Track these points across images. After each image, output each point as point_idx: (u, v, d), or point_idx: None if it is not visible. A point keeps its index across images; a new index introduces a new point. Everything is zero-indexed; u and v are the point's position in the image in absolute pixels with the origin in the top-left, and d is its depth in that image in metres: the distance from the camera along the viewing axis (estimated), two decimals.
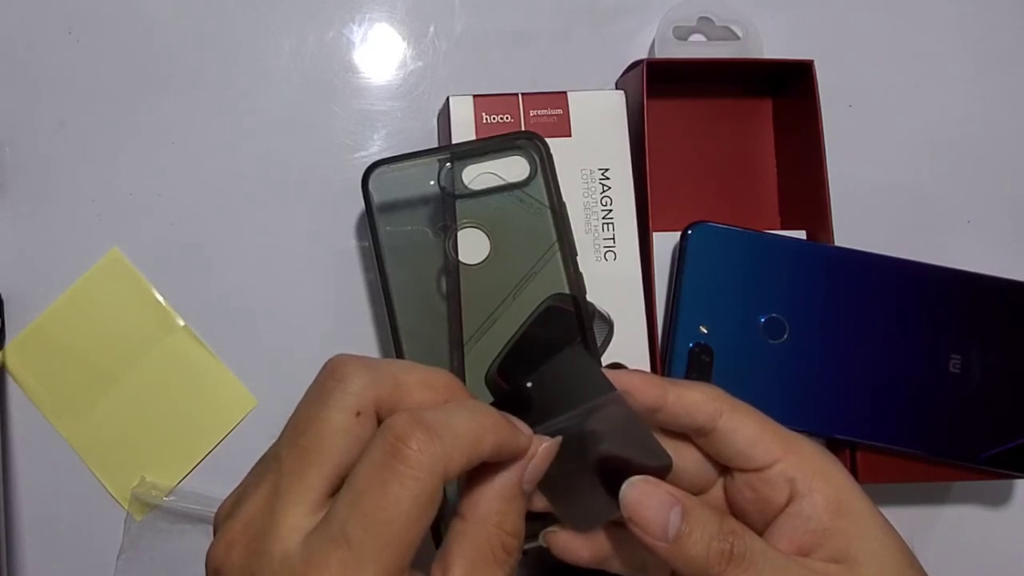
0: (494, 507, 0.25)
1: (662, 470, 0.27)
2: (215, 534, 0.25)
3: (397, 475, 0.22)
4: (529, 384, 0.28)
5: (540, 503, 0.28)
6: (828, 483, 0.27)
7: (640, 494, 0.26)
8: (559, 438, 0.27)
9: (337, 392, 0.24)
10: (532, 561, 0.41)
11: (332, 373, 0.25)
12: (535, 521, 0.29)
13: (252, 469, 0.26)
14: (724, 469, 0.29)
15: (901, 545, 0.27)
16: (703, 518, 0.26)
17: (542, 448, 0.26)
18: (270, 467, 0.24)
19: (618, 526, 0.28)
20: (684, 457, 0.29)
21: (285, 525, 0.23)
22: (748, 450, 0.28)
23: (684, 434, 0.29)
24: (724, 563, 0.25)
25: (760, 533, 0.27)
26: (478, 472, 0.25)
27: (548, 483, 0.27)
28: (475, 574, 0.24)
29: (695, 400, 0.28)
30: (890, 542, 0.27)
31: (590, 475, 0.28)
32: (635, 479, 0.27)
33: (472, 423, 0.24)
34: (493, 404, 0.27)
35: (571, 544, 0.28)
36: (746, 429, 0.28)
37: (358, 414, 0.24)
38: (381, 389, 0.25)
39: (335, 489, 0.24)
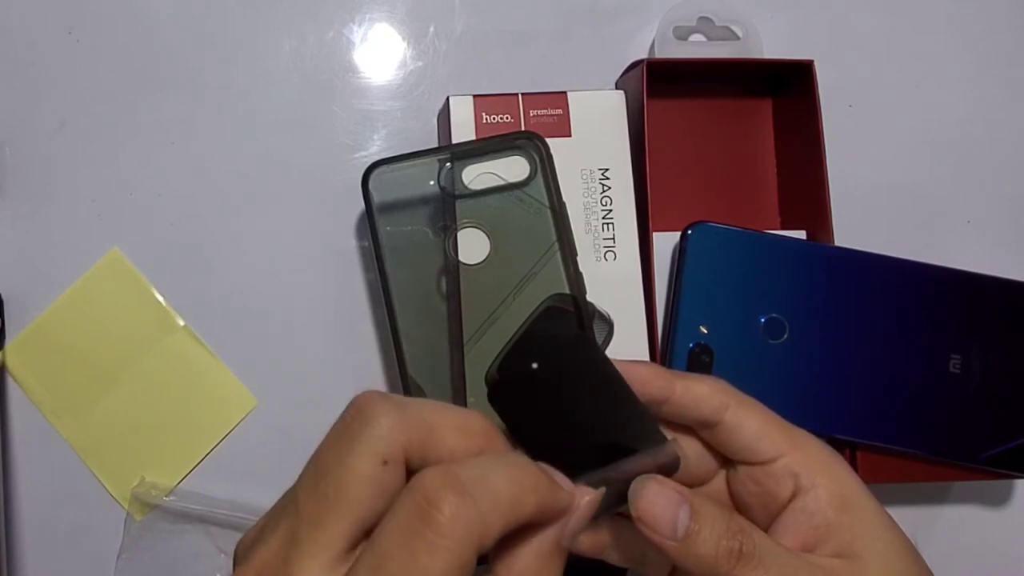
0: (532, 567, 0.23)
1: (671, 465, 0.27)
2: (234, 569, 0.23)
3: (427, 544, 0.20)
4: (535, 366, 0.27)
5: None
6: (832, 479, 0.27)
7: (649, 492, 0.26)
8: (602, 489, 0.25)
9: (364, 436, 0.22)
10: None
11: (359, 414, 0.23)
12: None
13: (275, 504, 0.24)
14: (726, 461, 0.29)
15: (905, 541, 0.27)
16: (712, 516, 0.26)
17: (584, 503, 0.24)
18: (287, 510, 0.23)
19: (618, 516, 0.28)
20: (687, 448, 0.29)
21: None
22: (753, 444, 0.28)
23: (686, 425, 0.29)
24: (733, 561, 0.25)
25: (763, 528, 0.27)
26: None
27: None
28: None
29: (702, 393, 0.28)
30: (894, 539, 0.27)
31: (595, 468, 0.27)
32: (644, 477, 0.26)
33: (512, 484, 0.22)
34: (495, 388, 0.27)
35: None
36: (751, 423, 0.28)
37: (385, 463, 0.22)
38: (411, 434, 0.23)
39: (356, 543, 0.22)
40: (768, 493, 0.28)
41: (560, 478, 0.24)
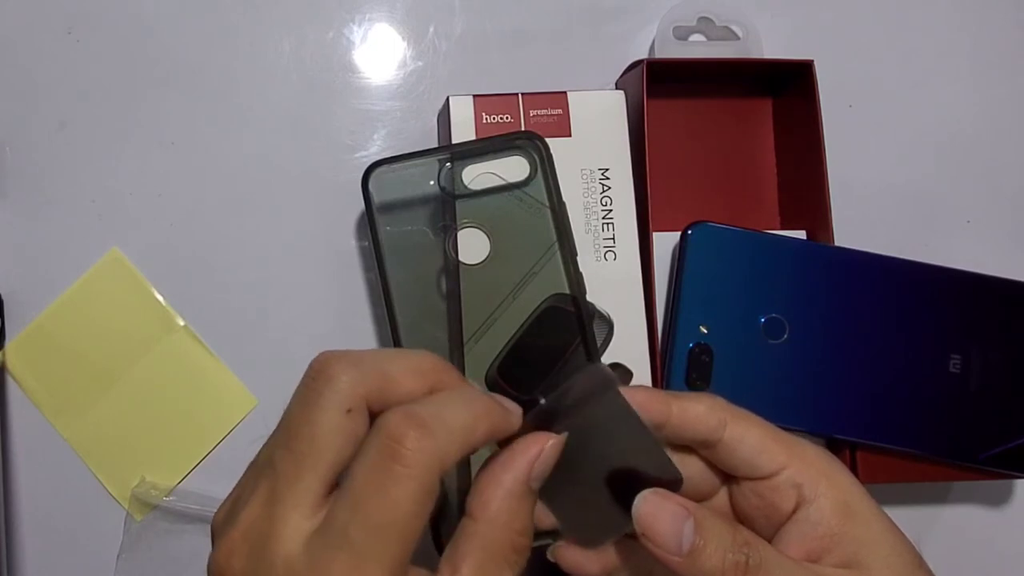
0: (504, 506, 0.25)
1: (673, 484, 0.27)
2: (213, 542, 0.25)
3: (394, 476, 0.23)
4: (543, 401, 0.28)
5: (547, 521, 0.28)
6: (834, 486, 0.27)
7: (652, 508, 0.26)
8: (565, 434, 0.27)
9: (326, 392, 0.24)
10: (531, 560, 0.41)
11: (319, 373, 0.25)
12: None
13: (244, 475, 0.26)
14: (728, 477, 0.29)
15: (909, 547, 0.27)
16: (716, 530, 0.26)
17: (549, 445, 0.26)
18: (264, 473, 0.24)
19: (625, 537, 0.28)
20: (688, 466, 0.29)
21: (286, 529, 0.23)
22: (754, 459, 0.28)
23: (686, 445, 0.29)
24: (740, 575, 0.25)
25: (768, 540, 0.27)
26: (487, 470, 0.26)
27: (555, 499, 0.27)
28: (485, 574, 0.24)
29: (699, 413, 0.28)
30: (898, 545, 0.27)
31: (598, 491, 0.28)
32: (646, 492, 0.26)
33: (464, 413, 0.25)
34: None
35: (580, 559, 0.28)
36: (750, 438, 0.28)
37: (349, 411, 0.24)
38: (369, 383, 0.25)
39: (332, 488, 0.24)
40: (771, 506, 0.28)
41: (509, 404, 0.26)
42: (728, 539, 0.25)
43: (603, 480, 0.28)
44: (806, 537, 0.27)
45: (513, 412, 0.26)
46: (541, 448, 0.26)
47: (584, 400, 0.27)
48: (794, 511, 0.27)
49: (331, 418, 0.24)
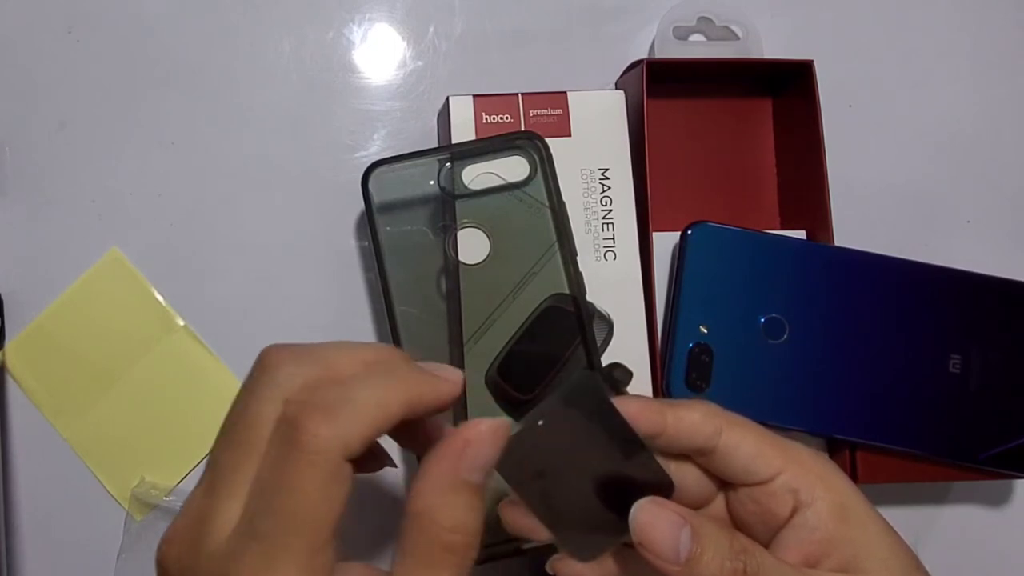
0: (428, 501, 0.23)
1: (665, 489, 0.27)
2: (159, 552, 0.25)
3: (294, 463, 0.22)
4: (540, 423, 0.27)
5: (543, 535, 0.28)
6: (830, 490, 0.27)
7: (649, 516, 0.26)
8: (502, 419, 0.25)
9: (263, 383, 0.24)
10: (532, 561, 0.41)
11: (261, 364, 0.25)
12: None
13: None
14: (724, 483, 0.29)
15: (906, 549, 0.27)
16: (713, 537, 0.25)
17: (481, 430, 0.24)
18: (209, 464, 0.24)
19: (624, 547, 0.28)
20: (684, 474, 0.29)
21: (217, 521, 0.23)
22: (750, 465, 0.28)
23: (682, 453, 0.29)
24: None
25: (765, 545, 0.27)
26: (424, 463, 0.24)
27: (548, 513, 0.27)
28: (413, 574, 0.23)
29: (694, 421, 0.28)
30: (895, 547, 0.27)
31: (590, 501, 0.27)
32: (643, 502, 0.26)
33: (377, 388, 0.24)
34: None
35: (578, 570, 0.28)
36: (746, 444, 0.28)
37: (287, 402, 0.24)
38: (309, 374, 0.24)
39: None
40: (768, 511, 0.28)
41: (447, 371, 0.26)
42: (726, 546, 0.25)
43: (594, 490, 0.27)
44: (803, 542, 0.27)
45: (446, 379, 0.25)
46: (469, 437, 0.24)
47: (571, 406, 0.27)
48: (791, 516, 0.27)
49: (269, 409, 0.24)
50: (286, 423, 0.23)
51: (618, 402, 0.28)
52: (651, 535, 0.25)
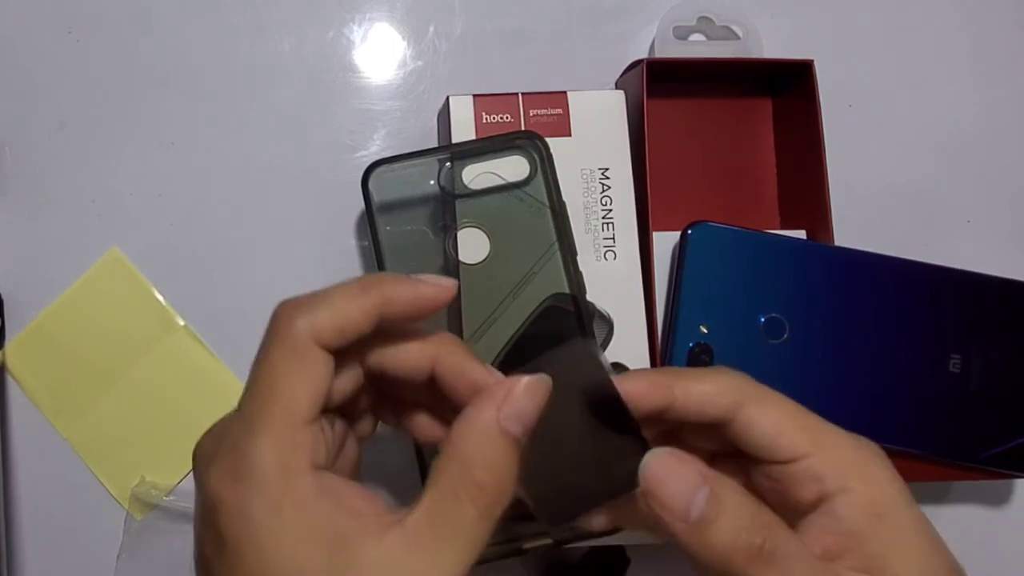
0: (465, 440, 0.24)
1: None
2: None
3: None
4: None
5: (519, 492, 0.26)
6: (865, 481, 0.25)
7: (664, 467, 0.24)
8: (545, 376, 0.25)
9: (279, 336, 0.25)
10: (532, 561, 0.41)
11: (275, 320, 0.26)
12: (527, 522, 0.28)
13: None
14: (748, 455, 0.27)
15: (944, 555, 0.25)
16: (735, 504, 0.23)
17: (523, 382, 0.25)
18: (235, 416, 0.26)
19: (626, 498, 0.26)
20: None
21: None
22: (769, 443, 0.26)
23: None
24: (750, 560, 0.23)
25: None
26: (465, 409, 0.25)
27: (524, 473, 0.25)
28: (439, 506, 0.23)
29: (705, 392, 0.26)
30: (932, 552, 0.25)
31: (565, 471, 0.26)
32: (661, 450, 0.25)
33: (350, 286, 0.26)
34: None
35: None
36: (766, 422, 0.26)
37: (308, 352, 0.25)
38: (320, 320, 0.25)
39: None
40: (787, 493, 0.26)
41: (430, 278, 0.27)
42: (747, 518, 0.23)
43: (569, 457, 0.26)
44: (826, 532, 0.25)
45: (429, 283, 0.26)
46: (511, 388, 0.24)
47: (563, 370, 0.26)
48: (817, 504, 0.25)
49: (291, 361, 0.25)
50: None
51: (621, 378, 0.26)
52: (661, 487, 0.24)
